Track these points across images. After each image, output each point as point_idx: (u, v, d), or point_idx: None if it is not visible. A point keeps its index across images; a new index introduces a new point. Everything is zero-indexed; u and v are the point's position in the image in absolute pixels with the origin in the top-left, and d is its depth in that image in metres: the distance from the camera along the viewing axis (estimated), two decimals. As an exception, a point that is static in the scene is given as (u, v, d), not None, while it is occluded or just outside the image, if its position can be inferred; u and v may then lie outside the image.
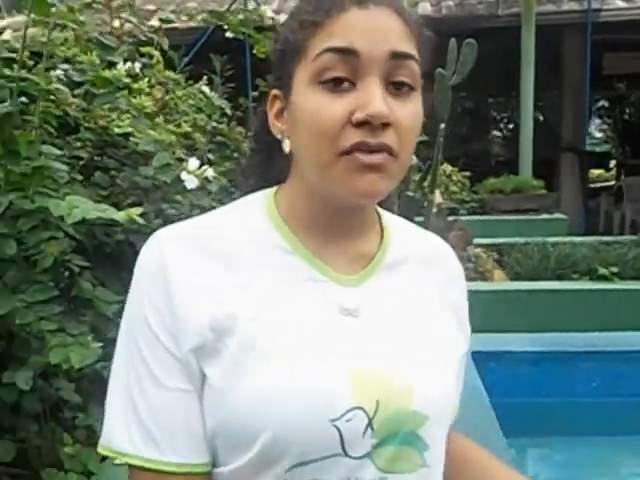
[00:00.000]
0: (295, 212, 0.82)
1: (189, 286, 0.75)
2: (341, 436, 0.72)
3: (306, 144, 0.76)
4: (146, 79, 2.54)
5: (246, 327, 0.75)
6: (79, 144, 2.42)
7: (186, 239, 0.79)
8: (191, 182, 1.87)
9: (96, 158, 2.34)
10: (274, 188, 0.86)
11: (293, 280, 0.79)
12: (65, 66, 2.02)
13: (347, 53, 0.72)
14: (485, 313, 2.59)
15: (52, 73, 1.97)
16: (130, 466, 0.76)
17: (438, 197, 4.88)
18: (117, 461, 0.76)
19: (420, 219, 3.39)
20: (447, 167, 7.84)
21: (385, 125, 0.72)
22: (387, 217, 0.90)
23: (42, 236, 1.51)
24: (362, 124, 0.71)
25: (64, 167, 1.54)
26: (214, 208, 0.87)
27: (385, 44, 0.73)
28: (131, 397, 0.75)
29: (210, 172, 1.91)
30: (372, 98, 0.71)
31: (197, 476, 0.75)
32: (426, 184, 3.58)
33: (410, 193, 3.15)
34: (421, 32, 0.79)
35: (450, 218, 4.28)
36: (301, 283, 0.79)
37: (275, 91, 0.82)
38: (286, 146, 0.80)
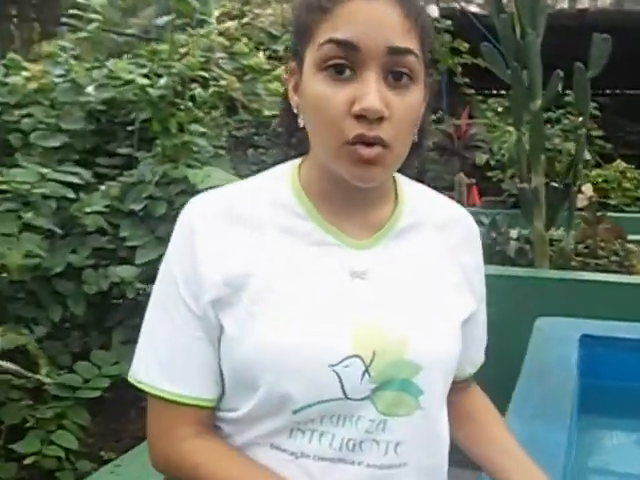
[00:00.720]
0: (312, 183, 0.87)
1: (211, 246, 0.84)
2: (340, 380, 0.80)
3: (314, 130, 0.82)
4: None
5: (259, 284, 0.82)
6: (238, 124, 2.80)
7: (214, 205, 0.87)
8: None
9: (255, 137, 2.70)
10: (300, 159, 0.91)
11: (306, 243, 0.86)
12: (221, 54, 2.38)
13: (348, 46, 0.75)
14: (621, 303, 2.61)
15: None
16: (149, 396, 0.86)
17: (589, 191, 4.71)
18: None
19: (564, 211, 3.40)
20: (621, 164, 7.41)
21: (380, 118, 0.75)
22: (405, 184, 0.93)
23: (186, 199, 1.87)
24: (360, 116, 0.75)
25: (205, 143, 1.88)
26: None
27: (383, 39, 0.75)
28: (153, 339, 0.87)
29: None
30: (368, 92, 0.75)
31: (204, 410, 0.86)
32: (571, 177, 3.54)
33: (555, 184, 3.17)
34: (425, 23, 0.80)
35: (599, 213, 4.15)
36: (314, 246, 0.86)
37: (293, 63, 0.84)
38: (301, 121, 0.84)
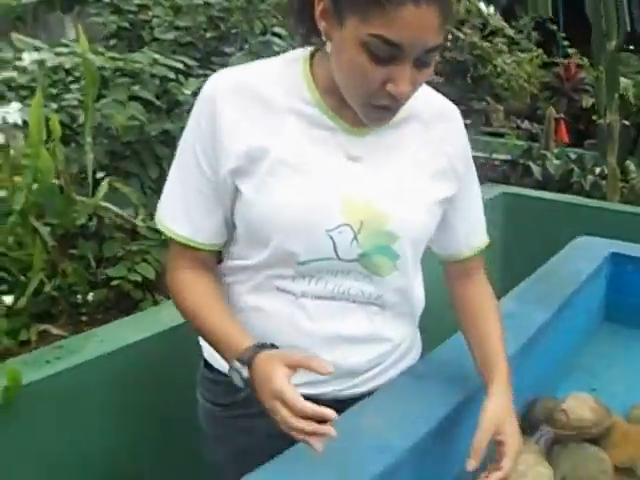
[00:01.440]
0: (321, 76, 0.99)
1: (233, 118, 0.96)
2: (334, 244, 0.98)
3: (343, 81, 0.93)
4: None
5: (274, 158, 0.96)
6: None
7: (236, 81, 0.97)
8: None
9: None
10: (312, 48, 1.01)
11: (312, 126, 0.98)
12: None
13: (395, 46, 0.86)
14: None
15: None
16: (169, 238, 1.05)
17: None
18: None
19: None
20: None
21: None
22: None
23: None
24: (392, 93, 0.89)
25: (283, 43, 2.12)
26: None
27: (424, 42, 0.87)
28: (173, 193, 1.02)
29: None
30: (403, 79, 0.88)
31: (202, 252, 1.03)
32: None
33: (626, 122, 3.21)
34: (451, 17, 0.99)
35: None
36: (318, 129, 0.99)
37: None
38: (327, 48, 0.94)
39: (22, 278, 1.70)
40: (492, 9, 3.77)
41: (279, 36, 2.17)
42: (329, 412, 0.82)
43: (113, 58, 1.90)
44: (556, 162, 3.66)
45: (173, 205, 1.03)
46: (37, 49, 1.92)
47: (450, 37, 3.25)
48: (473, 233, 1.19)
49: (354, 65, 0.89)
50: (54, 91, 1.95)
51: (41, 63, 1.97)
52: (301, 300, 1.03)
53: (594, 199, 3.31)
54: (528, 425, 1.41)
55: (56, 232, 1.80)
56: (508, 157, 3.87)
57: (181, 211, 1.01)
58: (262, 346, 0.92)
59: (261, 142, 0.96)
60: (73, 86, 1.93)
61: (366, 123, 0.96)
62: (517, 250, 2.97)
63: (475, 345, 1.16)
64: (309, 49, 1.01)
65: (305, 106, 0.98)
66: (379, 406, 1.12)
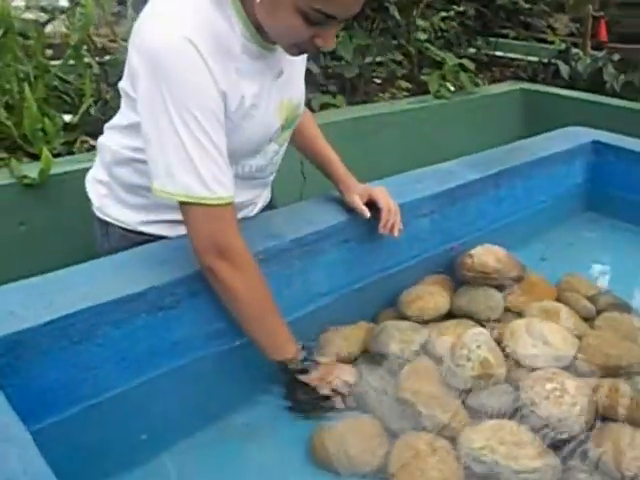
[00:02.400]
0: (253, 17, 1.08)
1: (222, 77, 1.05)
2: (272, 138, 1.26)
3: (274, 32, 1.06)
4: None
5: (247, 103, 1.12)
6: None
7: (203, 32, 1.02)
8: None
9: None
10: None
11: (254, 60, 1.13)
12: None
13: (331, 17, 0.99)
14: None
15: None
16: (197, 206, 1.06)
17: None
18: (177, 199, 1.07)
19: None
20: None
21: None
22: None
23: None
24: (318, 46, 1.05)
25: None
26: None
27: (353, 12, 1.02)
28: (184, 155, 1.03)
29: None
30: (331, 37, 1.04)
31: (230, 205, 1.10)
32: None
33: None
34: None
35: None
36: (257, 61, 1.14)
37: None
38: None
39: (77, 102, 2.17)
40: None
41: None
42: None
43: None
44: (588, 62, 3.57)
45: (207, 171, 1.04)
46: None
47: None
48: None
49: (289, 24, 1.01)
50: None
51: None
52: (235, 180, 1.18)
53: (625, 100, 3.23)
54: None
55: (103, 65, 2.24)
56: (544, 59, 3.80)
57: (220, 173, 1.06)
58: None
59: (239, 89, 1.10)
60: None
61: (287, 53, 1.12)
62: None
63: (326, 166, 1.48)
64: None
65: (248, 43, 1.11)
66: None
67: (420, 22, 2.90)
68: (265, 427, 1.17)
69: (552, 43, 4.31)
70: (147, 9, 1.05)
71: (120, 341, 1.09)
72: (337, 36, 1.93)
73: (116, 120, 1.25)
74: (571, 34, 4.42)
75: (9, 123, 1.95)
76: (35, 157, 1.93)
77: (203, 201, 1.03)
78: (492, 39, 3.98)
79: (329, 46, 1.05)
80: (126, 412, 1.11)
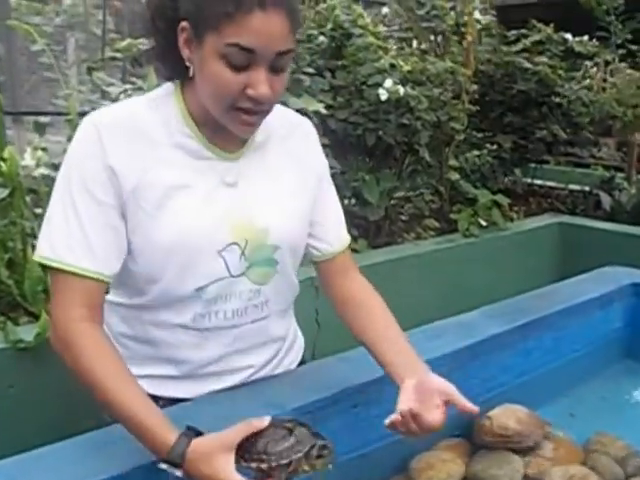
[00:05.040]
0: (195, 108, 1.07)
1: (121, 158, 1.01)
2: (226, 262, 1.09)
3: (208, 95, 1.02)
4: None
5: (159, 192, 1.03)
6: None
7: (117, 119, 1.04)
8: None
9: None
10: (180, 82, 1.09)
11: (193, 157, 1.08)
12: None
13: (249, 51, 0.95)
14: None
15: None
16: (54, 272, 1.01)
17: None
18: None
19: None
20: None
21: None
22: None
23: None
24: (253, 97, 0.99)
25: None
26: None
27: (275, 46, 0.97)
28: (57, 222, 1.01)
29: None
30: (260, 82, 0.98)
31: (100, 284, 1.03)
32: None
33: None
34: (300, 22, 1.07)
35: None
36: (199, 160, 1.08)
37: (185, 24, 0.99)
38: (191, 72, 1.03)
39: None
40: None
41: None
42: None
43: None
44: (632, 192, 3.51)
45: (66, 236, 1.01)
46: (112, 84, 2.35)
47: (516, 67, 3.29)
48: (339, 229, 1.29)
49: (215, 76, 0.98)
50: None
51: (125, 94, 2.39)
52: (204, 333, 1.14)
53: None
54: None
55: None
56: (586, 188, 3.77)
57: (78, 241, 1.01)
58: (188, 435, 0.94)
59: (146, 176, 1.03)
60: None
61: (235, 132, 1.06)
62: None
63: (382, 345, 1.18)
64: (178, 83, 1.10)
65: (186, 139, 1.08)
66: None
67: (453, 162, 2.94)
68: None
69: (595, 170, 4.29)
70: None
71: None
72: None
73: None
74: (616, 162, 4.37)
75: (10, 282, 1.93)
76: (35, 315, 1.90)
77: (47, 262, 1.01)
78: (531, 165, 3.97)
79: (261, 94, 0.99)
80: None
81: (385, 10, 3.32)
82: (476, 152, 3.19)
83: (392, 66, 2.42)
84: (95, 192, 1.01)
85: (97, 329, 1.02)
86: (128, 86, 2.35)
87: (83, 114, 1.25)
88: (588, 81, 3.52)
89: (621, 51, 3.88)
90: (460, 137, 2.83)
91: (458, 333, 1.67)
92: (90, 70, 2.91)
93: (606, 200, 3.40)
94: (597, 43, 3.81)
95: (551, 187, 4.05)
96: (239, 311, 1.15)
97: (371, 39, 2.40)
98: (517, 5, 3.41)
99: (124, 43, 2.85)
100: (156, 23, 1.05)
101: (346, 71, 2.66)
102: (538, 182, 4.08)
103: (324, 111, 2.19)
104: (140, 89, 2.35)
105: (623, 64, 3.88)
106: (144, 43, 2.87)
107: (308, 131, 1.26)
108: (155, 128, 1.06)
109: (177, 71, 1.07)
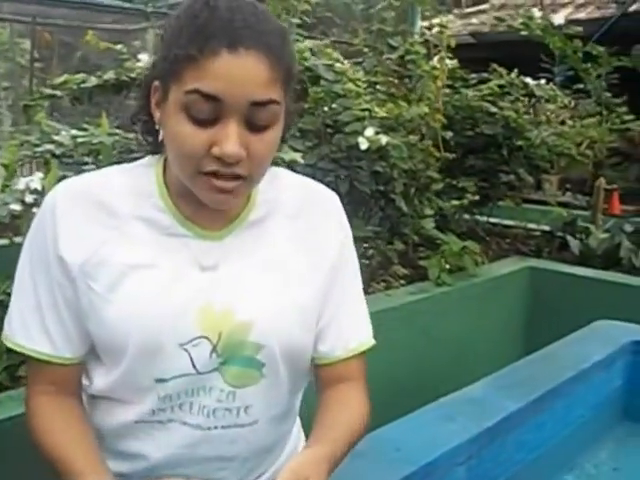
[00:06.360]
0: (173, 181, 0.93)
1: (71, 233, 0.90)
2: (191, 358, 0.90)
3: (172, 158, 0.88)
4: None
5: (114, 272, 0.89)
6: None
7: (77, 189, 0.93)
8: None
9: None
10: (165, 154, 0.93)
11: (163, 234, 0.92)
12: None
13: (212, 98, 0.79)
14: None
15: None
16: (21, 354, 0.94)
17: None
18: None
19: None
20: None
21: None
22: (267, 177, 0.93)
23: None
24: (219, 157, 0.81)
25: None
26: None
27: (247, 94, 0.79)
28: (18, 302, 0.94)
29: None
30: (227, 138, 0.80)
31: (61, 367, 0.94)
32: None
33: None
34: (291, 64, 0.85)
35: None
36: (170, 237, 0.92)
37: (157, 83, 0.87)
38: (160, 135, 0.90)
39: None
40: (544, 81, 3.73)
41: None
42: None
43: (126, 138, 2.05)
44: (601, 236, 3.49)
45: (20, 317, 0.94)
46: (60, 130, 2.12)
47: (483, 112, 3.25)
48: (347, 334, 1.02)
49: (177, 133, 0.83)
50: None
51: (74, 140, 2.17)
52: (170, 425, 0.94)
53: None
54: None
55: None
56: (546, 228, 3.73)
57: (31, 323, 0.93)
58: None
59: (100, 254, 0.90)
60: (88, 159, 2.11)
61: (209, 203, 0.88)
62: (542, 330, 2.85)
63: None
64: (162, 156, 0.95)
65: (157, 213, 0.93)
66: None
67: (428, 211, 2.80)
68: None
69: (550, 208, 4.28)
70: None
71: None
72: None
73: None
74: (587, 206, 4.39)
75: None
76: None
77: (7, 342, 0.95)
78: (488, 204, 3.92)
79: (227, 152, 0.80)
80: None
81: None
82: (454, 201, 3.06)
83: (369, 112, 2.28)
84: (51, 271, 0.92)
85: (61, 401, 0.95)
86: (80, 133, 2.11)
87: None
88: (558, 127, 3.51)
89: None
90: (438, 186, 2.72)
91: (472, 414, 1.51)
92: (26, 108, 2.71)
93: (574, 244, 3.36)
94: (554, 87, 3.84)
95: (507, 226, 3.99)
96: (206, 410, 0.93)
97: (350, 85, 2.26)
98: (464, 44, 3.38)
99: (61, 79, 2.65)
100: (142, 93, 0.92)
101: (313, 114, 2.51)
102: (493, 220, 4.02)
103: (302, 161, 2.01)
104: (92, 135, 2.13)
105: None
106: (85, 80, 2.71)
107: (330, 204, 1.04)
108: (120, 199, 0.92)
109: (158, 142, 0.93)
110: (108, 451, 0.97)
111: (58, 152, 2.19)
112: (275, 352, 0.94)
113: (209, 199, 0.87)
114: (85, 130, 2.10)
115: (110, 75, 2.53)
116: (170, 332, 0.89)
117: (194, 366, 0.91)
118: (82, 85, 2.60)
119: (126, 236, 0.91)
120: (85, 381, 1.00)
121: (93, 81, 2.50)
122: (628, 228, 3.81)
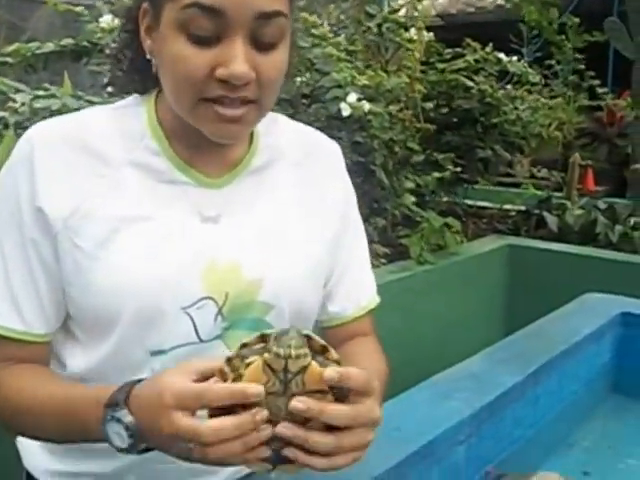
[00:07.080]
0: (168, 119, 0.82)
1: (52, 183, 0.77)
2: (194, 323, 0.79)
3: (169, 87, 0.76)
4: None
5: (104, 227, 0.77)
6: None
7: (57, 135, 0.79)
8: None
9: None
10: (157, 90, 0.84)
11: (157, 180, 0.81)
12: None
13: (213, 12, 0.69)
14: None
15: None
16: None
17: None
18: None
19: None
20: None
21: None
22: (266, 120, 0.84)
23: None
24: (224, 80, 0.71)
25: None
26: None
27: (252, 4, 0.70)
28: None
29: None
30: (234, 57, 0.70)
31: (32, 344, 0.80)
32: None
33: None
34: None
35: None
36: (165, 184, 0.81)
37: (146, 5, 0.77)
38: (154, 67, 0.79)
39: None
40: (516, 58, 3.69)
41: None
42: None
43: (89, 101, 1.89)
44: (577, 212, 3.49)
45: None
46: (20, 90, 1.95)
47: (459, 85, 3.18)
48: (358, 290, 0.96)
49: (175, 56, 0.72)
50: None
51: (31, 105, 2.00)
52: None
53: (622, 252, 3.12)
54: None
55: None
56: (522, 207, 3.72)
57: (1, 294, 0.80)
58: (137, 381, 0.71)
59: (92, 202, 0.78)
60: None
61: (212, 137, 0.77)
62: (523, 307, 2.83)
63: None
64: (153, 94, 0.85)
65: (150, 157, 0.81)
66: None
67: (409, 184, 2.72)
68: None
69: (526, 189, 4.26)
70: None
71: None
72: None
73: None
74: (557, 185, 4.38)
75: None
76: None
77: None
78: (464, 185, 3.88)
79: (235, 73, 0.70)
80: None
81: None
82: (435, 174, 2.99)
83: (352, 78, 2.16)
84: (23, 228, 0.78)
85: (25, 366, 0.81)
86: (40, 92, 1.95)
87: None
88: (534, 102, 3.47)
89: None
90: (419, 158, 2.63)
91: (470, 390, 1.43)
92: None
93: (552, 220, 3.35)
94: (526, 63, 3.82)
95: (482, 207, 3.97)
96: None
97: (330, 49, 2.14)
98: (433, 27, 3.32)
99: (13, 47, 2.50)
100: (126, 28, 0.83)
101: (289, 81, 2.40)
102: (469, 202, 3.99)
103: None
104: (54, 96, 1.97)
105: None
106: (40, 47, 2.55)
107: (333, 156, 0.96)
108: (109, 142, 0.80)
109: (150, 78, 0.81)
110: (85, 449, 0.80)
111: (13, 120, 2.01)
112: (284, 313, 0.85)
113: (214, 131, 0.76)
114: (47, 90, 1.92)
115: (68, 41, 2.37)
116: (171, 294, 0.78)
117: (197, 333, 0.80)
118: (37, 52, 2.43)
119: (117, 185, 0.79)
120: (55, 367, 0.86)
121: (50, 46, 2.33)
122: (602, 205, 3.82)
